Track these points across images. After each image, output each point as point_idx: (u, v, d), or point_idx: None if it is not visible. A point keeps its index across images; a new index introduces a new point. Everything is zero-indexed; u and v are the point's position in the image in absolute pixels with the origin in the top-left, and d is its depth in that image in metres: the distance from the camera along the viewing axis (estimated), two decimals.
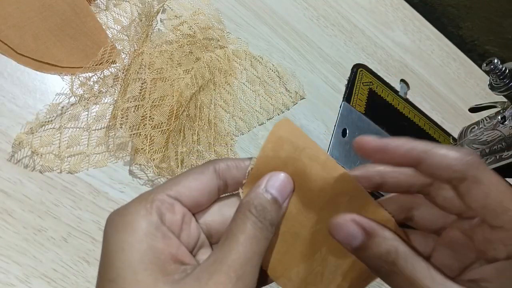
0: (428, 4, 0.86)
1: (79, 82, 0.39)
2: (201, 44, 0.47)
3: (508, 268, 0.21)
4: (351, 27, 0.67)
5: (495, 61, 0.43)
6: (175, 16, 0.48)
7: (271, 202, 0.22)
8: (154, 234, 0.20)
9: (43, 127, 0.37)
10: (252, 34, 0.54)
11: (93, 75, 0.40)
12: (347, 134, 0.56)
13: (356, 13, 0.69)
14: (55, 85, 0.39)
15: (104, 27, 0.43)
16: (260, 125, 0.49)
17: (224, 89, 0.48)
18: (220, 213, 0.23)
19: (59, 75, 0.39)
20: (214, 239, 0.24)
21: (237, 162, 0.23)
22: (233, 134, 0.47)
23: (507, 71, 0.43)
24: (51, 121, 0.37)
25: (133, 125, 0.39)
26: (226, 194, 0.24)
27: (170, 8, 0.48)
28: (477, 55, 0.91)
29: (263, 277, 0.24)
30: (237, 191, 0.24)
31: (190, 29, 0.47)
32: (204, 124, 0.44)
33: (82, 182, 0.37)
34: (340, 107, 0.58)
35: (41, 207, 0.34)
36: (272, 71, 0.53)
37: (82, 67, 0.39)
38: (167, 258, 0.20)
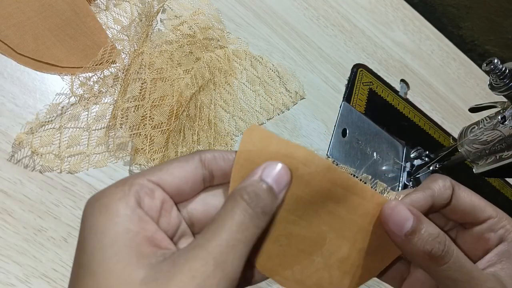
0: (428, 4, 0.86)
1: (79, 82, 0.39)
2: (201, 44, 0.47)
3: (504, 248, 0.25)
4: (351, 27, 0.67)
5: (495, 61, 0.43)
6: (175, 16, 0.48)
7: (266, 191, 0.21)
8: (129, 216, 0.19)
9: (43, 127, 0.37)
10: (252, 34, 0.54)
11: (93, 75, 0.40)
12: (347, 134, 0.56)
13: (356, 13, 0.69)
14: (55, 85, 0.39)
15: (104, 27, 0.43)
16: (260, 125, 0.49)
17: (224, 89, 0.48)
18: (204, 202, 0.23)
19: (59, 75, 0.39)
20: (196, 229, 0.23)
21: (224, 153, 0.23)
22: (233, 134, 0.47)
23: (507, 71, 0.43)
24: (51, 121, 0.37)
25: (133, 125, 0.39)
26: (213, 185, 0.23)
27: (170, 8, 0.48)
28: (477, 55, 0.91)
29: (251, 273, 0.23)
30: (223, 183, 0.23)
31: (190, 29, 0.47)
32: (204, 124, 0.44)
33: (82, 182, 0.37)
34: (340, 107, 0.58)
35: (41, 207, 0.34)
36: (272, 71, 0.53)
37: (82, 67, 0.39)
38: (143, 241, 0.19)
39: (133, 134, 0.39)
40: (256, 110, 0.49)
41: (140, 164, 0.40)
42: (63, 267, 0.33)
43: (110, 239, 0.18)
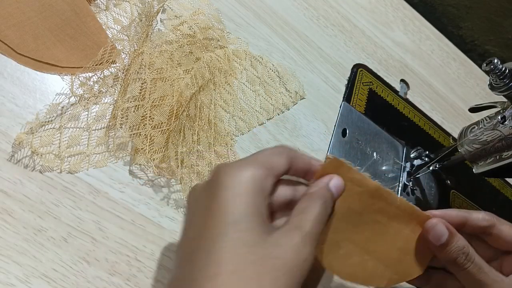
0: (428, 4, 0.86)
1: (79, 82, 0.39)
2: (201, 44, 0.47)
3: None
4: (351, 27, 0.67)
5: (495, 61, 0.43)
6: (175, 16, 0.48)
7: (330, 196, 0.29)
8: (260, 195, 0.26)
9: (43, 127, 0.37)
10: (252, 34, 0.54)
11: (93, 75, 0.40)
12: (347, 134, 0.56)
13: (356, 13, 0.69)
14: (55, 85, 0.39)
15: (104, 27, 0.43)
16: (260, 125, 0.49)
17: (224, 89, 0.48)
18: (274, 189, 0.28)
19: (59, 75, 0.39)
20: None
21: (303, 156, 0.30)
22: (233, 134, 0.47)
23: (507, 71, 0.43)
24: (51, 121, 0.37)
25: (133, 125, 0.39)
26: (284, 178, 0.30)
27: (170, 8, 0.48)
28: (477, 55, 0.91)
29: None
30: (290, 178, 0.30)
31: (190, 29, 0.47)
32: (204, 124, 0.44)
33: (82, 182, 0.37)
34: (340, 107, 0.58)
35: (41, 207, 0.34)
36: (272, 71, 0.53)
37: (82, 67, 0.39)
38: (265, 215, 0.26)
39: (133, 134, 0.39)
40: (256, 110, 0.49)
41: (140, 164, 0.40)
42: (63, 267, 0.33)
43: (251, 209, 0.25)
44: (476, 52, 0.90)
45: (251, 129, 0.48)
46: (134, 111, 0.39)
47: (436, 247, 0.31)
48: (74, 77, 0.39)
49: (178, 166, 0.39)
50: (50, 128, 0.37)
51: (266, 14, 0.57)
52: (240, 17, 0.54)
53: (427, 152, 0.59)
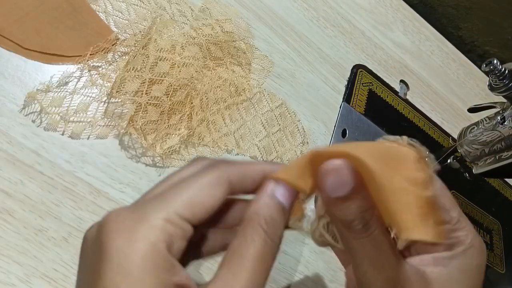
0: (428, 5, 0.86)
1: (87, 66, 0.40)
2: (222, 45, 0.47)
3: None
4: (351, 28, 0.67)
5: (495, 61, 0.43)
6: (203, 24, 0.48)
7: (279, 210, 0.21)
8: (162, 267, 0.19)
9: (56, 90, 0.38)
10: (252, 35, 0.54)
11: (99, 59, 0.41)
12: (347, 135, 0.56)
13: (356, 14, 0.69)
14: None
15: (104, 14, 0.43)
16: (251, 158, 0.48)
17: (236, 106, 0.48)
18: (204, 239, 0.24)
19: (65, 65, 0.40)
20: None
21: (247, 167, 0.22)
22: (224, 145, 0.46)
23: (507, 71, 0.43)
24: (65, 85, 0.38)
25: (130, 91, 0.39)
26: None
27: (199, 13, 0.49)
28: (477, 55, 0.91)
29: None
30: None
31: (212, 29, 0.48)
32: (202, 120, 0.44)
33: (82, 182, 0.37)
34: (340, 107, 0.58)
35: (41, 207, 0.34)
36: (297, 127, 0.52)
37: (87, 54, 0.40)
38: None
39: (128, 99, 0.39)
40: (255, 144, 0.48)
41: (131, 134, 0.40)
42: (64, 267, 0.33)
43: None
44: (475, 53, 0.91)
45: (239, 154, 0.46)
46: (131, 81, 0.39)
47: (330, 199, 0.21)
48: (81, 61, 0.40)
49: (180, 147, 0.39)
50: (63, 91, 0.38)
51: (266, 15, 0.57)
52: (240, 17, 0.54)
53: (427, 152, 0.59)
